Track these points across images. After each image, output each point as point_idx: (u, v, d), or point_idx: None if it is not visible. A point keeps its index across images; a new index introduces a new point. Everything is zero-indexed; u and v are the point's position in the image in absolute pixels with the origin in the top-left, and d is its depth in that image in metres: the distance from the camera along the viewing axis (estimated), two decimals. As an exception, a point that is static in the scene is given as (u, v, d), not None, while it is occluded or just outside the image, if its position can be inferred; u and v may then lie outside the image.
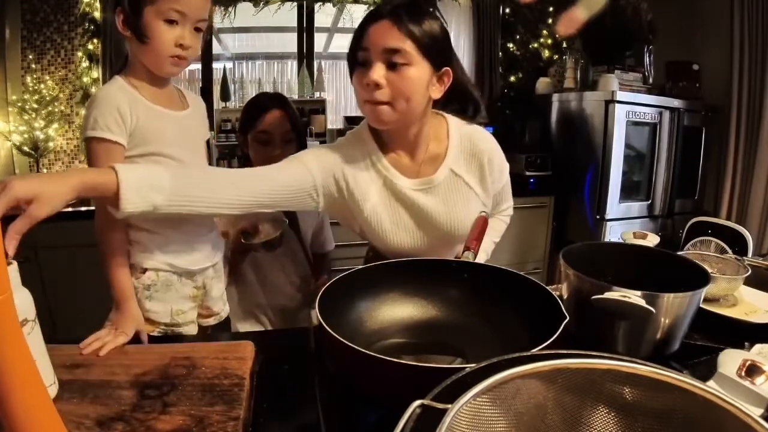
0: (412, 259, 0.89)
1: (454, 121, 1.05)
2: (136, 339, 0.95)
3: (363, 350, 0.58)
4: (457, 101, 1.06)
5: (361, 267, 0.85)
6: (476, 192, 1.05)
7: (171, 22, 0.92)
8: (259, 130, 1.30)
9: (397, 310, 0.85)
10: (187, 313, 1.08)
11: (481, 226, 0.97)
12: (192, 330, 1.09)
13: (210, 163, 1.20)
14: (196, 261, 1.08)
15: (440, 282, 0.85)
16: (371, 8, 1.11)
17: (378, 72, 0.89)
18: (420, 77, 0.91)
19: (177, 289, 1.06)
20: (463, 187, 1.04)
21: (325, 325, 0.63)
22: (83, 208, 2.14)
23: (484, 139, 1.05)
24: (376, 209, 1.01)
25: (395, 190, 1.01)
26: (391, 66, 0.89)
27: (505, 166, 1.11)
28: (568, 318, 0.63)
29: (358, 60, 0.93)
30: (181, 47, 0.94)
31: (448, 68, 0.95)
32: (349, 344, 0.59)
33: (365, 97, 0.92)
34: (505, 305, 0.79)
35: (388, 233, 1.02)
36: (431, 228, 1.04)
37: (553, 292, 0.73)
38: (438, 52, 0.93)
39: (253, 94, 1.95)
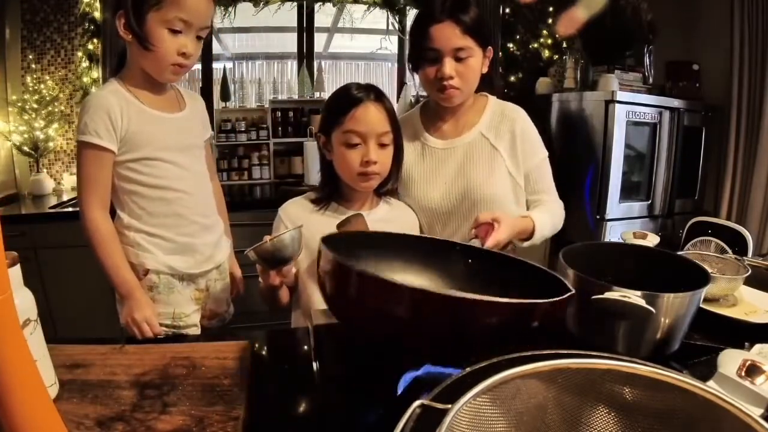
0: (418, 235, 1.03)
1: (493, 99, 1.25)
2: (137, 339, 0.95)
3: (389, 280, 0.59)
4: None
5: (368, 231, 0.89)
6: (503, 156, 1.19)
7: (175, 31, 0.91)
8: (346, 129, 1.05)
9: (396, 278, 0.86)
10: (190, 316, 1.07)
11: (490, 224, 1.01)
12: (194, 333, 1.09)
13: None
14: (197, 264, 1.07)
15: (444, 262, 0.87)
16: (418, 10, 1.20)
17: (450, 67, 1.09)
18: (478, 62, 1.13)
19: (179, 292, 1.05)
20: (488, 148, 1.19)
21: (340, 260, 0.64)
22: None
23: (514, 110, 1.22)
24: (409, 162, 1.21)
25: (428, 149, 1.22)
26: (458, 59, 1.09)
27: (539, 146, 1.23)
28: (573, 291, 0.64)
29: (426, 57, 1.11)
30: (183, 56, 0.94)
31: (490, 47, 1.15)
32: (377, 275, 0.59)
33: (437, 87, 1.12)
34: (506, 292, 0.79)
35: (417, 184, 1.21)
36: (451, 180, 1.19)
37: (556, 273, 0.73)
38: (485, 36, 1.13)
39: (253, 94, 1.84)
